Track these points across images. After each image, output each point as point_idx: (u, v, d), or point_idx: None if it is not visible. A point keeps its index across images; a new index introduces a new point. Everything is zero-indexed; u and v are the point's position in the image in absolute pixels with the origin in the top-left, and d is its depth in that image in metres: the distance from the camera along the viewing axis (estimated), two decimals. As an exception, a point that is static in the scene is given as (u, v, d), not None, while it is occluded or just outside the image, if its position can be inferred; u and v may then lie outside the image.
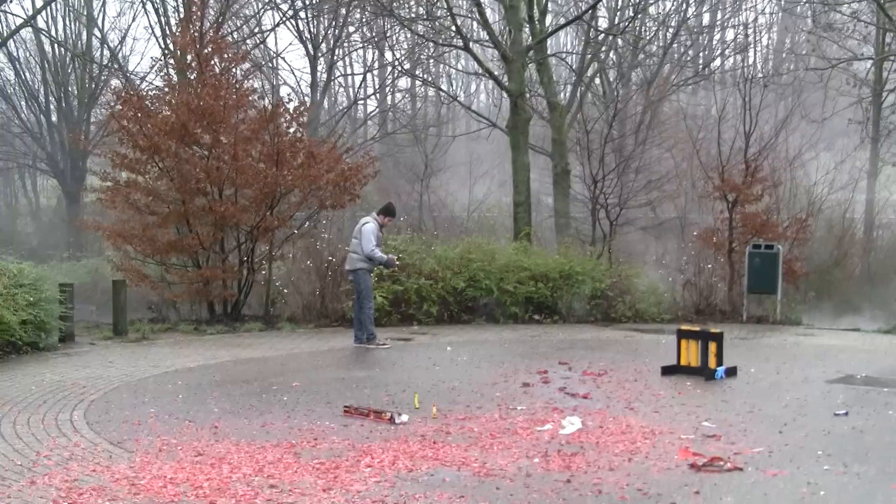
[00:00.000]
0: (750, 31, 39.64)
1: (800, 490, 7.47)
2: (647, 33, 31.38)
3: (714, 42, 38.91)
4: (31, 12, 31.89)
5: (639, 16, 29.44)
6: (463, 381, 12.93)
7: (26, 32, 32.64)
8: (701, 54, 37.40)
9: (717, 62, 38.38)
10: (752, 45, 39.94)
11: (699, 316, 21.03)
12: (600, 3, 29.02)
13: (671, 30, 31.46)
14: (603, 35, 29.29)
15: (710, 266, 21.99)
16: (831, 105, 27.50)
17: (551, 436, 9.52)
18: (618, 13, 30.57)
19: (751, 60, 40.24)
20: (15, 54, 36.04)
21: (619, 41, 30.58)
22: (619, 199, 25.40)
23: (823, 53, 24.75)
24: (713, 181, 22.99)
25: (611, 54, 30.79)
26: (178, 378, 13.35)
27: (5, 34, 28.65)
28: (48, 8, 33.12)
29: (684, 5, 31.33)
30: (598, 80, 31.31)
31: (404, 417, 10.28)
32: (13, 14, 30.47)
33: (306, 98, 31.33)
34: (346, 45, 36.47)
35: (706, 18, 38.43)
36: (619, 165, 25.85)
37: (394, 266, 17.52)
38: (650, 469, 8.19)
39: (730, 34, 39.68)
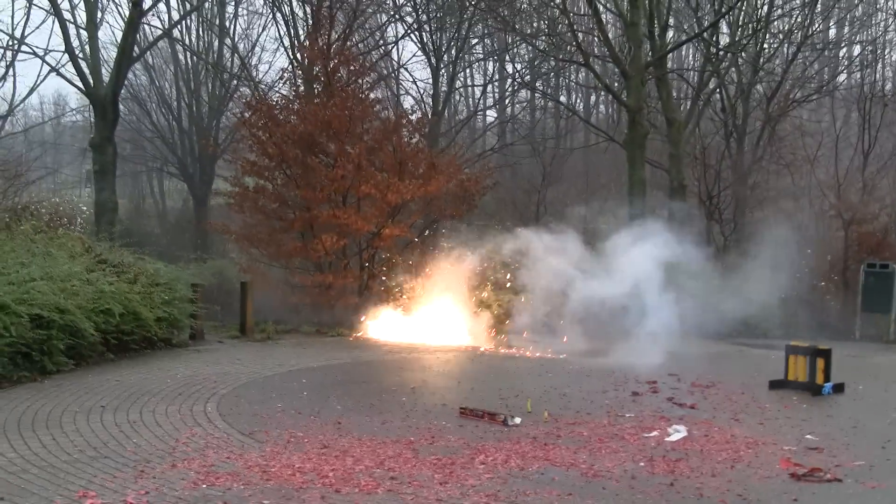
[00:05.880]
0: (878, 48, 38.71)
1: (897, 502, 7.73)
2: (770, 49, 31.08)
3: (840, 57, 38.19)
4: (167, 24, 33.01)
5: (760, 31, 29.25)
6: (574, 388, 13.36)
7: (161, 41, 33.80)
8: (825, 70, 36.82)
9: (842, 77, 37.70)
10: (877, 61, 39.08)
11: (811, 332, 21.00)
12: (721, 20, 28.88)
13: (794, 45, 31.11)
14: (723, 52, 29.22)
15: (823, 283, 21.95)
16: (955, 124, 27.06)
17: (657, 442, 9.92)
18: (739, 29, 30.37)
19: (873, 77, 39.39)
20: (150, 62, 37.37)
21: (740, 58, 30.44)
22: (733, 215, 25.46)
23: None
24: (829, 199, 22.95)
25: (731, 70, 30.62)
26: (301, 376, 14.05)
27: (143, 45, 29.73)
28: (184, 19, 34.36)
29: (808, 20, 30.95)
30: (717, 96, 31.17)
31: (517, 420, 10.77)
32: (151, 25, 31.59)
33: (428, 108, 31.92)
34: (467, 56, 36.92)
35: (832, 33, 37.75)
36: (735, 181, 25.89)
37: None
38: (751, 477, 8.53)
39: (855, 49, 38.91)
